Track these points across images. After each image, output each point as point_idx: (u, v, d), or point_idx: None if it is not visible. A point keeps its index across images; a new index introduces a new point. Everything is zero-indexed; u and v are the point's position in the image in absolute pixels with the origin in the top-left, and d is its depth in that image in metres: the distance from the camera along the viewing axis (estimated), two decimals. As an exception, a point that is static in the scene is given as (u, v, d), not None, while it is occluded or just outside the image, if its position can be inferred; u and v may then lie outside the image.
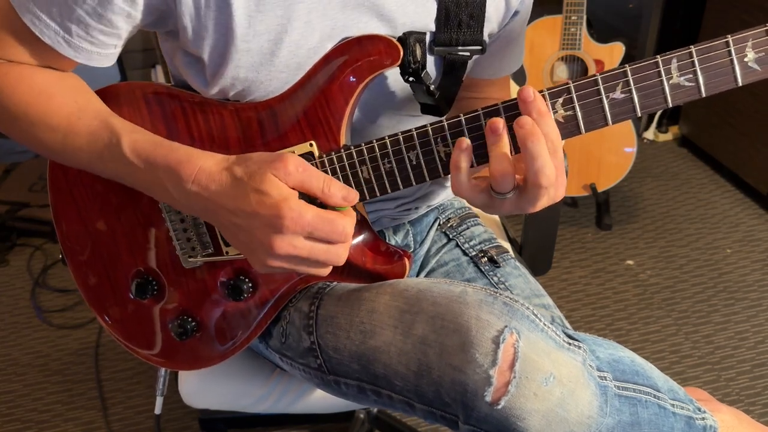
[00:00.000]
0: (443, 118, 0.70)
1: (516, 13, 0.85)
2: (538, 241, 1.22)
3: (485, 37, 0.80)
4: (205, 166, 0.67)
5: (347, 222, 0.66)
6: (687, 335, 1.79)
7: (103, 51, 0.73)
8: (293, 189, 0.65)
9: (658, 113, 2.60)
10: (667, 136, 2.63)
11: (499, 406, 0.64)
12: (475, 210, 1.08)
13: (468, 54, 0.79)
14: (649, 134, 2.63)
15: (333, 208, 0.67)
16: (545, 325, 0.68)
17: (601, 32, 2.05)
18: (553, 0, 1.97)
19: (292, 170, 0.64)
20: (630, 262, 2.06)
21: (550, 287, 1.96)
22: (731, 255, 2.06)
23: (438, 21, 0.77)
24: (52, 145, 0.74)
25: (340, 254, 0.67)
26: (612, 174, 2.13)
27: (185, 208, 0.72)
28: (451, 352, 0.66)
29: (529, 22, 2.18)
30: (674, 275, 1.99)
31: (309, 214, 0.63)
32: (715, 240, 2.12)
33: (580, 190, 2.18)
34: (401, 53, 0.72)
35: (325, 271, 0.70)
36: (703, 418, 0.74)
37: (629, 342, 1.77)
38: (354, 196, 0.68)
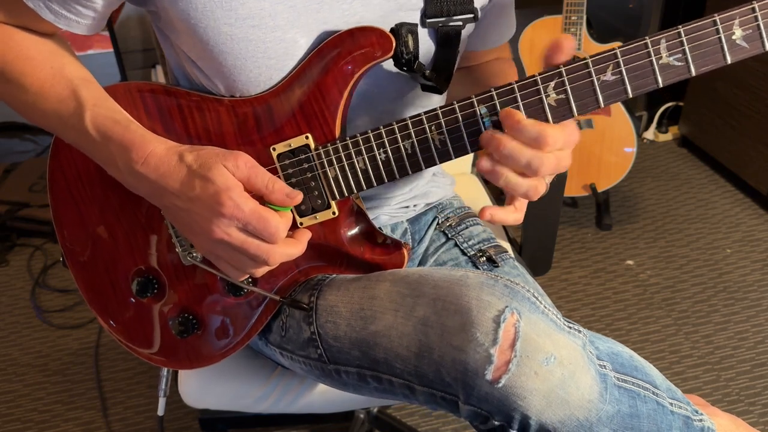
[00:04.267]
0: (437, 106, 0.71)
1: None
2: (538, 241, 1.22)
3: (476, 6, 0.80)
4: (156, 150, 0.70)
5: (281, 224, 0.68)
6: (687, 335, 1.79)
7: (82, 21, 0.75)
8: (240, 180, 0.67)
9: (658, 113, 2.60)
10: (667, 136, 2.63)
11: (500, 385, 0.64)
12: (475, 210, 1.08)
13: (461, 23, 0.79)
14: (649, 134, 2.63)
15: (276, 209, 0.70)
16: (545, 307, 0.68)
17: (601, 32, 2.06)
18: (553, 0, 1.97)
19: (241, 165, 0.67)
20: (630, 262, 2.06)
21: (550, 287, 1.96)
22: (731, 255, 2.06)
23: None
24: (22, 104, 0.77)
25: (270, 253, 0.69)
26: (612, 174, 2.14)
27: (132, 187, 0.74)
28: (452, 332, 0.67)
29: (529, 22, 2.19)
30: (674, 275, 1.99)
31: (247, 207, 0.66)
32: (715, 240, 2.12)
33: (580, 190, 2.18)
34: (393, 44, 0.73)
35: (258, 271, 0.72)
36: (701, 420, 0.74)
37: (629, 342, 1.77)
38: (296, 194, 0.70)
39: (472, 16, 0.79)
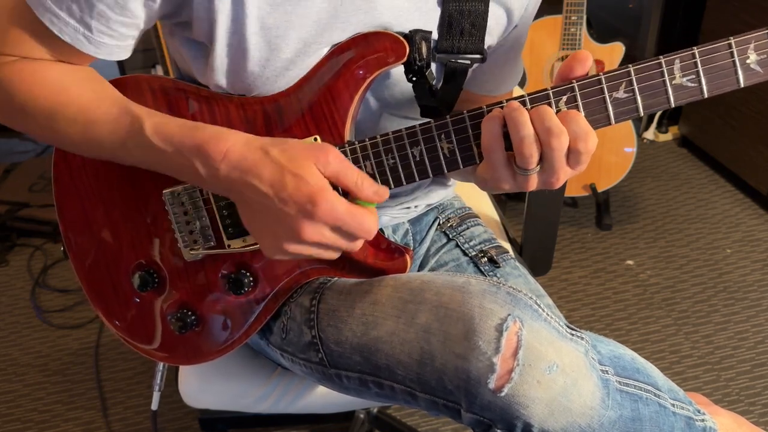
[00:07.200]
0: (447, 115, 0.71)
1: (515, 27, 0.85)
2: (538, 241, 1.22)
3: (485, 47, 0.80)
4: (235, 145, 0.66)
5: (373, 220, 0.68)
6: (687, 335, 1.79)
7: (123, 43, 0.73)
8: (329, 178, 0.66)
9: (658, 113, 2.60)
10: (667, 136, 2.63)
11: (502, 394, 0.64)
12: (476, 210, 1.08)
13: (468, 62, 0.79)
14: (649, 134, 2.63)
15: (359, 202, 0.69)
16: (548, 315, 0.68)
17: (601, 32, 2.06)
18: (553, 0, 1.97)
19: (331, 160, 0.65)
20: (630, 262, 2.06)
21: (550, 287, 1.96)
22: (731, 255, 2.06)
23: (441, 28, 0.77)
24: (73, 137, 0.74)
25: (357, 246, 0.70)
26: (612, 174, 2.14)
27: (214, 187, 0.71)
28: (454, 340, 0.66)
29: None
30: (674, 275, 1.99)
31: (342, 207, 0.65)
32: (715, 240, 2.12)
33: (580, 190, 2.19)
34: (407, 50, 0.73)
35: (336, 256, 0.72)
36: (703, 420, 0.74)
37: (629, 342, 1.77)
38: (384, 191, 0.69)
39: (480, 56, 0.79)
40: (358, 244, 0.70)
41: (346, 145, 0.74)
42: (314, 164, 0.65)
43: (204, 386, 0.98)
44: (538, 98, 0.67)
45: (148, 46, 2.19)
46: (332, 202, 0.64)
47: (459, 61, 0.79)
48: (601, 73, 0.66)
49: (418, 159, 0.72)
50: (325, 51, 0.75)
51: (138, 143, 0.70)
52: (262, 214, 0.68)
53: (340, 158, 0.66)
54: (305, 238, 0.66)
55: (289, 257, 0.70)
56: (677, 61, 0.65)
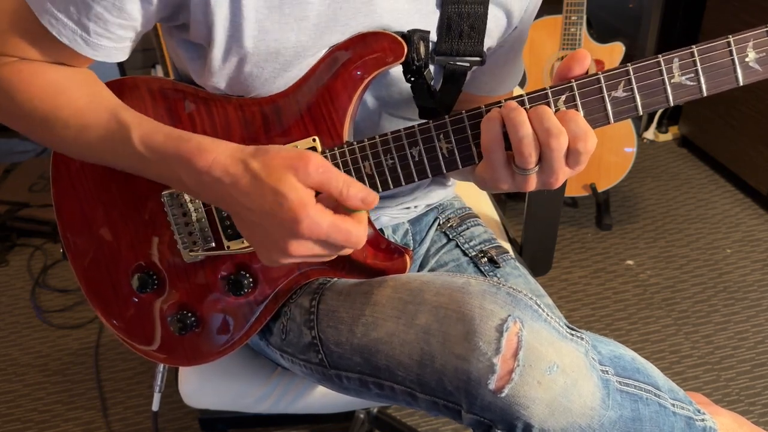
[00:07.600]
0: (446, 115, 0.71)
1: (515, 28, 0.85)
2: (538, 242, 1.22)
3: (484, 50, 0.80)
4: (219, 158, 0.65)
5: (361, 231, 0.65)
6: (687, 335, 1.79)
7: (120, 45, 0.73)
8: (312, 188, 0.63)
9: (658, 113, 2.60)
10: (667, 136, 2.63)
11: (503, 394, 0.64)
12: (476, 210, 1.08)
13: (467, 65, 0.79)
14: (649, 134, 2.63)
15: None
16: (548, 315, 0.68)
17: (601, 32, 2.06)
18: (553, 0, 1.97)
19: (312, 171, 0.62)
20: (630, 262, 2.06)
21: (550, 287, 1.96)
22: (731, 255, 2.06)
23: (440, 30, 0.77)
24: (66, 141, 0.74)
25: (349, 252, 0.69)
26: (612, 174, 2.14)
27: (201, 198, 0.72)
28: (454, 341, 0.66)
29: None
30: (674, 275, 1.99)
31: (325, 223, 0.63)
32: (715, 240, 2.12)
33: (580, 190, 2.18)
34: (405, 50, 0.73)
35: (330, 259, 0.70)
36: (703, 420, 0.74)
37: (629, 342, 1.77)
38: (373, 197, 0.66)
39: (479, 59, 0.79)
40: (349, 251, 0.69)
41: (345, 146, 0.74)
42: (294, 176, 0.62)
43: (204, 386, 0.98)
44: (536, 98, 0.67)
45: (147, 46, 2.19)
46: (314, 218, 0.62)
47: (458, 63, 0.79)
48: (599, 72, 0.66)
49: (416, 159, 0.72)
50: (323, 53, 0.75)
51: (126, 151, 0.70)
52: (251, 225, 0.67)
53: (322, 167, 0.63)
54: (292, 254, 0.65)
55: (284, 265, 0.70)
56: (676, 59, 0.65)
